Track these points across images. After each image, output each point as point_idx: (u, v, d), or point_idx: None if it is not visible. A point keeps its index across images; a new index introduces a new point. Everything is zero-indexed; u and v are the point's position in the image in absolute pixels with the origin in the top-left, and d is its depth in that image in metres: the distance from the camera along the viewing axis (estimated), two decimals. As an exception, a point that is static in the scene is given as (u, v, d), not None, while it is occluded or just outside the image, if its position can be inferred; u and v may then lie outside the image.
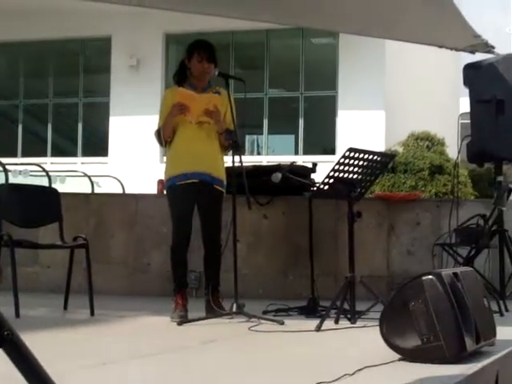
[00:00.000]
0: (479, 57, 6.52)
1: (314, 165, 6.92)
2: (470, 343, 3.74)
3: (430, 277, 3.77)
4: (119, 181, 16.29)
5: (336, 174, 5.50)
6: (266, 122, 18.07)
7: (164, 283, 6.97)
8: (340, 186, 5.54)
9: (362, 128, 16.64)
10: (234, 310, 5.40)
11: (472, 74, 6.59)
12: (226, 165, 5.87)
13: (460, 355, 3.70)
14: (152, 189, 12.28)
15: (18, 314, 5.41)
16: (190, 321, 5.39)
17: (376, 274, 7.25)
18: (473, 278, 4.21)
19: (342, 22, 6.13)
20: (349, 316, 5.38)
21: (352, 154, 5.47)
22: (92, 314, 5.83)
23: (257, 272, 7.43)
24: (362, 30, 6.80)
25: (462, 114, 8.88)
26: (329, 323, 5.13)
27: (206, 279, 5.89)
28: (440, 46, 6.30)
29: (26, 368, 1.65)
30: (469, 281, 4.03)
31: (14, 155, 18.94)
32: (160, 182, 8.95)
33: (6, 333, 1.60)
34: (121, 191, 15.34)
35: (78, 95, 19.44)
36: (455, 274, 3.92)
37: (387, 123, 16.81)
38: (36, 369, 1.66)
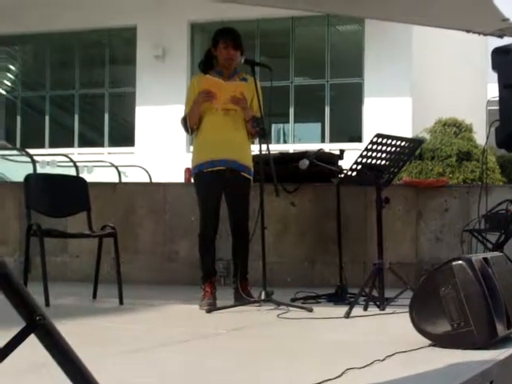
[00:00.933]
0: (507, 41, 6.44)
1: (342, 151, 6.88)
2: (500, 328, 3.71)
3: (460, 262, 3.74)
4: (146, 170, 16.32)
5: (364, 161, 5.48)
6: (291, 111, 18.02)
7: (192, 271, 6.97)
8: (368, 173, 5.52)
9: (388, 115, 16.55)
10: (263, 297, 5.39)
11: (500, 58, 6.53)
12: (252, 153, 5.86)
13: (491, 341, 3.67)
14: (178, 178, 12.30)
15: (47, 303, 5.46)
16: (218, 309, 5.39)
17: (404, 261, 7.21)
18: (503, 263, 4.18)
19: (368, 8, 6.07)
20: (378, 303, 5.36)
21: (380, 140, 5.45)
22: (121, 302, 5.84)
23: (285, 260, 7.42)
24: (388, 16, 6.74)
25: (490, 100, 8.80)
26: (358, 310, 5.12)
27: (234, 267, 5.89)
28: (467, 31, 6.22)
29: (58, 353, 1.65)
30: (499, 266, 4.00)
31: (42, 146, 19.04)
32: (187, 170, 8.95)
33: (37, 318, 1.61)
34: (148, 181, 15.37)
35: (105, 86, 19.50)
36: (485, 260, 3.89)
37: (414, 110, 16.70)
38: (68, 354, 1.67)
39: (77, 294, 6.68)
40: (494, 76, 6.64)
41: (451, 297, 3.69)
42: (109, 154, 18.55)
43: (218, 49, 5.75)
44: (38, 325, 1.62)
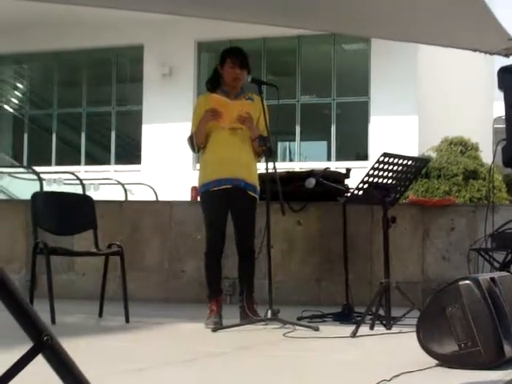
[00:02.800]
0: (513, 60, 6.45)
1: (348, 170, 6.88)
2: (508, 349, 3.69)
3: (467, 282, 3.73)
4: (152, 188, 16.34)
5: (370, 179, 5.48)
6: (298, 129, 18.04)
7: (198, 290, 6.97)
8: (374, 191, 5.52)
9: (394, 133, 16.56)
10: (269, 316, 5.38)
11: (506, 77, 6.53)
12: (258, 171, 5.86)
13: (498, 361, 3.65)
14: (185, 196, 12.29)
15: (53, 321, 5.45)
16: (224, 327, 5.38)
17: (411, 280, 7.20)
18: (510, 282, 4.16)
19: (374, 27, 6.09)
20: (384, 322, 5.35)
21: (386, 159, 5.45)
22: (127, 320, 5.84)
23: (291, 278, 7.41)
24: (395, 35, 6.76)
25: (497, 118, 8.81)
26: (364, 329, 5.10)
27: (240, 286, 5.88)
28: (474, 50, 6.24)
29: (65, 374, 1.65)
30: (506, 286, 3.98)
31: (49, 164, 19.08)
32: (194, 188, 8.95)
33: (45, 338, 1.60)
34: (154, 199, 15.38)
35: (111, 104, 19.56)
36: (492, 279, 3.88)
37: (420, 128, 16.71)
38: (76, 375, 1.66)
39: (83, 311, 6.67)
40: (501, 94, 6.65)
41: (458, 317, 3.68)
42: (115, 171, 18.58)
43: (224, 68, 5.78)
44: (45, 345, 1.62)
